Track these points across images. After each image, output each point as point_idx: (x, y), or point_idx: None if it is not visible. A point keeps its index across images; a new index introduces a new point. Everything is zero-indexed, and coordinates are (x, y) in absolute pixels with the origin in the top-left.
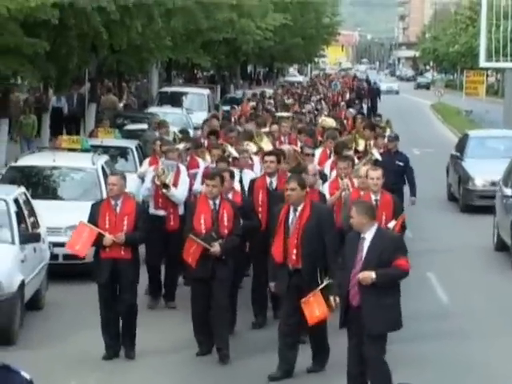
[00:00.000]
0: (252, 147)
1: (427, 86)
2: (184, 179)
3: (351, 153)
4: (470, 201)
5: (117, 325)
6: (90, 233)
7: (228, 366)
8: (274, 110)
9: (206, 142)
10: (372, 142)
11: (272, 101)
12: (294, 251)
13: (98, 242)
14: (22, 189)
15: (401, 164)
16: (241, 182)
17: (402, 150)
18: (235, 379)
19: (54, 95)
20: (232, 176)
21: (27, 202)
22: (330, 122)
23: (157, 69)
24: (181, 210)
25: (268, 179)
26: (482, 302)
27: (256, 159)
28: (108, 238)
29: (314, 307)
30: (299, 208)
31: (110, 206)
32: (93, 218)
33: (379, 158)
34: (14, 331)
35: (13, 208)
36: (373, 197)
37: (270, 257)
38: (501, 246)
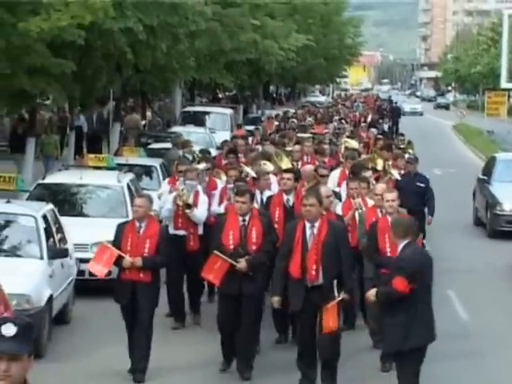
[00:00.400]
0: (269, 166)
1: (446, 107)
2: (203, 199)
3: (369, 173)
4: (497, 226)
5: None
6: (111, 254)
7: None
8: (297, 129)
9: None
10: (391, 163)
11: (295, 120)
12: (314, 267)
13: (119, 264)
14: (50, 205)
15: (422, 185)
16: (262, 202)
17: (423, 171)
18: None
19: (76, 114)
20: (252, 198)
21: (55, 219)
22: (354, 144)
23: (180, 88)
24: (200, 230)
25: (285, 196)
26: (503, 321)
27: (273, 179)
28: (127, 261)
29: (329, 317)
30: (316, 224)
31: (133, 227)
32: (117, 239)
33: (398, 177)
34: (43, 344)
35: (41, 224)
36: (389, 218)
37: (277, 271)
38: None
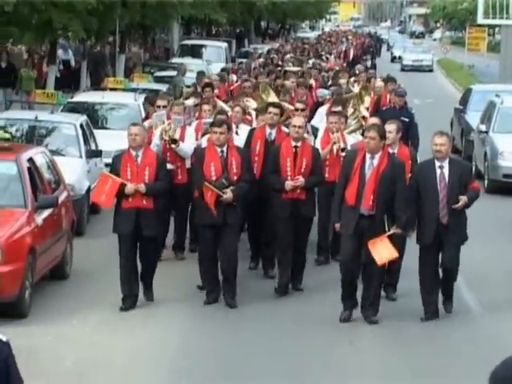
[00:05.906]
0: (252, 103)
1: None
2: (190, 134)
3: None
4: (472, 152)
5: (136, 272)
6: (113, 183)
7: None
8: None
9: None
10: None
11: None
12: (371, 197)
13: (121, 192)
14: (85, 117)
15: (405, 120)
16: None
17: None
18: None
19: (60, 48)
20: (229, 129)
21: (89, 127)
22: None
23: (178, 23)
24: (188, 164)
25: (268, 130)
26: None
27: (254, 114)
28: (130, 187)
29: (380, 249)
30: (377, 156)
31: (130, 156)
32: (115, 169)
33: (367, 114)
34: (84, 225)
35: (79, 130)
36: (390, 150)
37: (337, 200)
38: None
